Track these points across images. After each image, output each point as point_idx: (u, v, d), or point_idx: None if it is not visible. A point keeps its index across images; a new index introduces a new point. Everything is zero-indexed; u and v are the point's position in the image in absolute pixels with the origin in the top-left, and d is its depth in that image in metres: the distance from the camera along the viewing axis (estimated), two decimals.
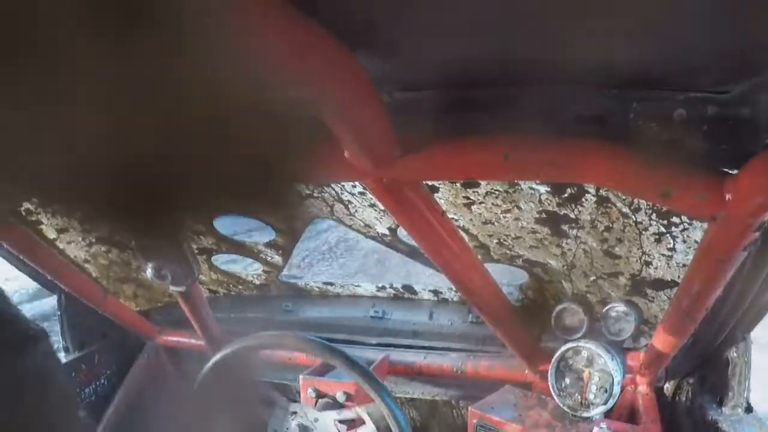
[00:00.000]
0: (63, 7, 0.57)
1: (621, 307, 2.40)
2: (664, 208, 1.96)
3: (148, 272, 2.63)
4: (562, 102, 1.39)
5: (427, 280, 3.33)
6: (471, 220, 2.38)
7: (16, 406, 1.05)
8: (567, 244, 2.36)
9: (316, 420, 2.41)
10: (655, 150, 1.40)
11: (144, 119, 0.62)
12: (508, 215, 2.28)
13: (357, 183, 2.35)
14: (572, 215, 2.16)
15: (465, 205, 2.27)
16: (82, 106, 0.59)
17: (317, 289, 3.56)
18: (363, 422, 2.34)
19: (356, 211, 2.61)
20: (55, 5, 0.57)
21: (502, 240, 2.48)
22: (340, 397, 2.56)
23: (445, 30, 1.15)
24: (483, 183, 2.13)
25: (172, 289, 2.88)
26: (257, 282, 3.57)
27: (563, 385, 2.46)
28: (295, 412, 2.44)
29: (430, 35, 1.19)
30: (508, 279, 2.85)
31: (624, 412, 2.67)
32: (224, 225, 2.98)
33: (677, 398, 2.70)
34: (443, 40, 1.21)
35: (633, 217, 2.06)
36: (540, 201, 2.13)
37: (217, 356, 2.48)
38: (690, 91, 1.36)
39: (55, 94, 0.58)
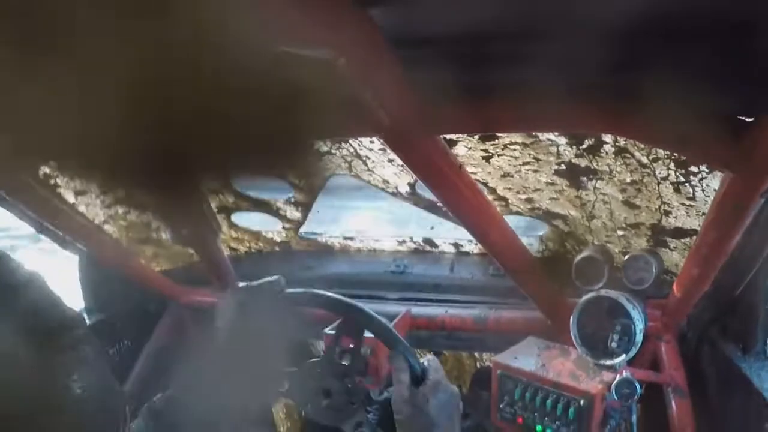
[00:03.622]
0: None
1: (642, 256, 2.39)
2: (683, 158, 1.96)
3: (168, 233, 2.64)
4: (579, 54, 1.38)
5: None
6: (490, 173, 2.38)
7: (49, 391, 1.08)
8: (586, 195, 2.36)
9: None
10: (672, 100, 1.39)
11: (163, 79, 0.62)
12: (527, 167, 2.28)
13: (375, 139, 2.35)
14: (591, 166, 2.16)
15: (483, 158, 2.27)
16: (102, 69, 0.59)
17: (338, 244, 3.58)
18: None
19: (375, 167, 2.62)
20: None
21: (521, 192, 2.48)
22: (364, 351, 2.56)
23: None
24: (501, 136, 2.13)
25: (193, 248, 2.89)
26: (277, 239, 3.58)
27: (585, 335, 2.46)
28: None
29: None
30: (528, 231, 2.85)
31: (647, 360, 2.68)
32: (243, 182, 2.98)
33: (700, 346, 2.70)
34: None
35: (651, 166, 2.06)
36: (558, 153, 2.13)
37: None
38: (708, 39, 1.35)
39: (74, 57, 0.59)
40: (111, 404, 1.25)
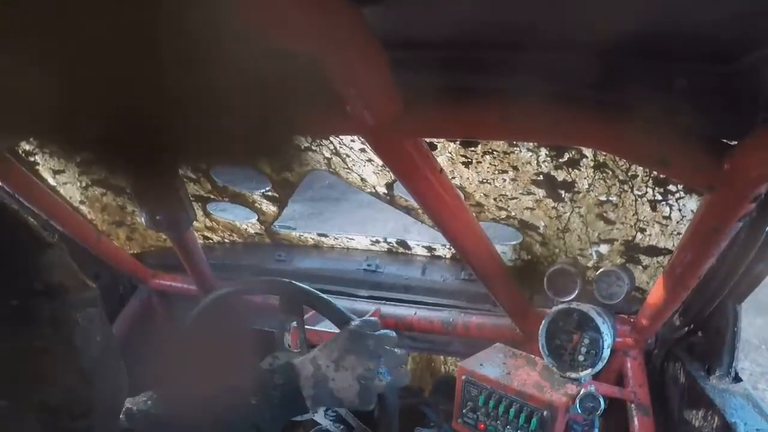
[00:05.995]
0: None
1: (614, 272, 2.39)
2: (661, 176, 1.97)
3: (143, 217, 2.63)
4: (563, 66, 1.38)
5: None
6: (468, 178, 2.38)
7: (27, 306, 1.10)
8: (562, 207, 2.36)
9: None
10: (655, 118, 1.39)
11: (145, 62, 0.61)
12: (505, 176, 2.28)
13: (356, 138, 2.35)
14: (569, 179, 2.16)
15: (463, 163, 2.27)
16: (83, 47, 0.59)
17: (311, 240, 3.57)
18: None
19: (354, 165, 2.61)
20: None
21: (497, 200, 2.49)
22: None
23: None
24: (482, 143, 2.13)
25: (167, 234, 2.88)
26: (252, 231, 3.58)
27: (553, 346, 2.47)
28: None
29: None
30: (502, 239, 2.85)
31: (612, 375, 2.70)
32: (221, 173, 2.97)
33: (666, 364, 2.71)
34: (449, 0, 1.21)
35: (630, 183, 2.06)
36: (538, 163, 2.14)
37: (204, 301, 2.48)
38: (692, 61, 1.36)
39: (56, 34, 0.58)
40: (117, 368, 1.30)
